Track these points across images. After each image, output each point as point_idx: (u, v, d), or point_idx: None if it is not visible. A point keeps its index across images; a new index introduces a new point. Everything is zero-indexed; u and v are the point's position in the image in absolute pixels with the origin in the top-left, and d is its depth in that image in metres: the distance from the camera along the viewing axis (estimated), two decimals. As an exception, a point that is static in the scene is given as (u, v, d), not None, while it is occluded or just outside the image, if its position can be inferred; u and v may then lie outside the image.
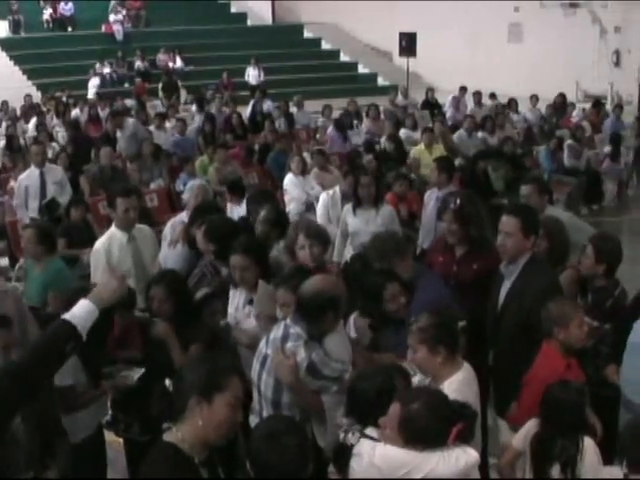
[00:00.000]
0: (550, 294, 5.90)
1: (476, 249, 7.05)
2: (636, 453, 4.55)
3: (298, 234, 7.26)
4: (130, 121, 18.44)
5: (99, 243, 7.94)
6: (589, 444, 5.10)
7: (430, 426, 4.35)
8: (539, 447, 5.24)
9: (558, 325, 5.64)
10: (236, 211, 10.11)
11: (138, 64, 31.67)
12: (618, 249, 6.71)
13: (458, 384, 5.00)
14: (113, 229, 7.93)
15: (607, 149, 18.14)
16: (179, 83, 30.35)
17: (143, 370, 5.92)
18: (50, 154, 15.16)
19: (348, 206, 9.50)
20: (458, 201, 7.11)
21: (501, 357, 6.40)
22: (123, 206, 7.76)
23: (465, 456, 4.39)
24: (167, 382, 4.31)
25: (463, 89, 24.82)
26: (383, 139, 17.06)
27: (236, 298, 6.58)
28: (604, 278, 6.61)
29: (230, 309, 6.63)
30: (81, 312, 4.50)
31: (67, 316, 4.47)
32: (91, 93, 28.40)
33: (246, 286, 6.48)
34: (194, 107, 23.28)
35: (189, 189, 9.59)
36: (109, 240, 7.86)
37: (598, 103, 22.91)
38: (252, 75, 31.24)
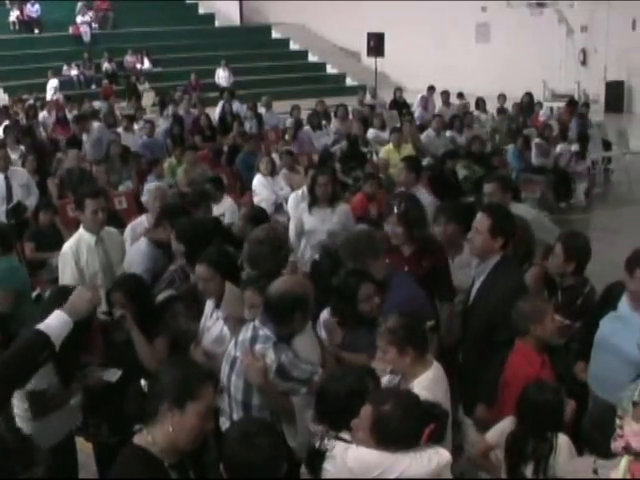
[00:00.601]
0: (516, 293, 5.94)
1: (422, 249, 7.10)
2: (598, 439, 4.57)
3: None
4: (95, 125, 18.36)
5: (67, 245, 7.89)
6: (563, 441, 5.12)
7: (402, 427, 4.35)
8: (513, 446, 5.27)
9: (534, 321, 5.68)
10: (215, 209, 10.16)
11: (105, 66, 31.55)
12: (587, 246, 6.76)
13: (428, 382, 5.03)
14: (81, 231, 7.87)
15: (574, 147, 18.26)
16: (138, 86, 30.23)
17: (120, 371, 5.88)
18: (18, 157, 15.07)
19: (304, 205, 9.51)
20: (402, 205, 7.16)
21: (468, 355, 6.42)
22: (91, 207, 7.71)
23: (437, 456, 4.41)
24: (142, 382, 4.29)
25: (431, 89, 24.89)
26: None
27: (208, 306, 6.53)
28: (574, 276, 6.67)
29: (203, 318, 6.56)
30: (55, 323, 4.51)
31: (41, 326, 4.47)
32: (49, 95, 28.09)
33: (209, 297, 6.45)
34: (161, 108, 23.30)
35: (147, 192, 9.59)
36: (77, 242, 7.81)
37: (573, 102, 23.02)
38: (222, 77, 31.24)
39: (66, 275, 7.72)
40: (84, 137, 17.74)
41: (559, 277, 6.80)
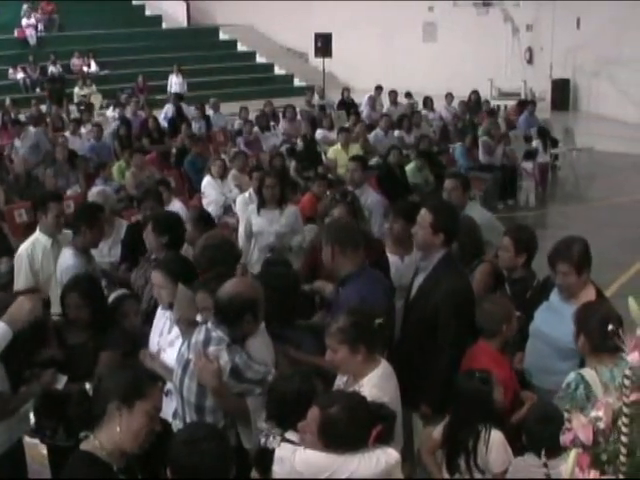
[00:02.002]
0: (458, 296, 6.04)
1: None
2: (548, 437, 4.59)
3: None
4: (32, 131, 18.19)
5: (22, 248, 7.93)
6: (496, 437, 5.16)
7: (349, 430, 4.39)
8: (447, 437, 5.35)
9: (506, 322, 5.81)
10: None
11: (51, 69, 31.21)
12: (535, 239, 6.93)
13: (377, 379, 5.04)
14: (38, 234, 7.89)
15: (535, 143, 18.43)
16: (85, 90, 29.96)
17: (66, 377, 5.84)
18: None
19: (252, 206, 9.50)
20: (349, 196, 7.22)
21: (410, 350, 6.31)
22: (55, 211, 7.80)
23: (385, 456, 4.45)
24: (87, 386, 4.26)
25: (379, 88, 24.97)
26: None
27: (161, 322, 6.34)
28: (523, 269, 6.81)
29: (154, 335, 6.35)
30: None
31: None
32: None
33: (162, 303, 6.28)
34: (109, 112, 23.06)
35: (90, 196, 9.58)
36: (33, 245, 7.85)
37: (525, 102, 23.21)
38: (175, 83, 30.81)
39: (20, 277, 7.74)
40: (17, 143, 17.60)
41: (507, 271, 6.93)
